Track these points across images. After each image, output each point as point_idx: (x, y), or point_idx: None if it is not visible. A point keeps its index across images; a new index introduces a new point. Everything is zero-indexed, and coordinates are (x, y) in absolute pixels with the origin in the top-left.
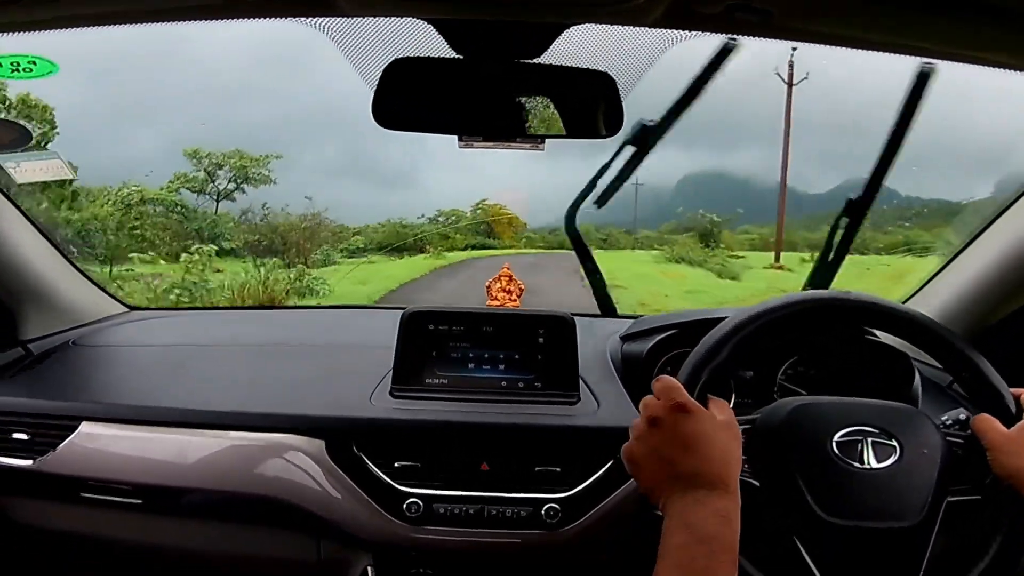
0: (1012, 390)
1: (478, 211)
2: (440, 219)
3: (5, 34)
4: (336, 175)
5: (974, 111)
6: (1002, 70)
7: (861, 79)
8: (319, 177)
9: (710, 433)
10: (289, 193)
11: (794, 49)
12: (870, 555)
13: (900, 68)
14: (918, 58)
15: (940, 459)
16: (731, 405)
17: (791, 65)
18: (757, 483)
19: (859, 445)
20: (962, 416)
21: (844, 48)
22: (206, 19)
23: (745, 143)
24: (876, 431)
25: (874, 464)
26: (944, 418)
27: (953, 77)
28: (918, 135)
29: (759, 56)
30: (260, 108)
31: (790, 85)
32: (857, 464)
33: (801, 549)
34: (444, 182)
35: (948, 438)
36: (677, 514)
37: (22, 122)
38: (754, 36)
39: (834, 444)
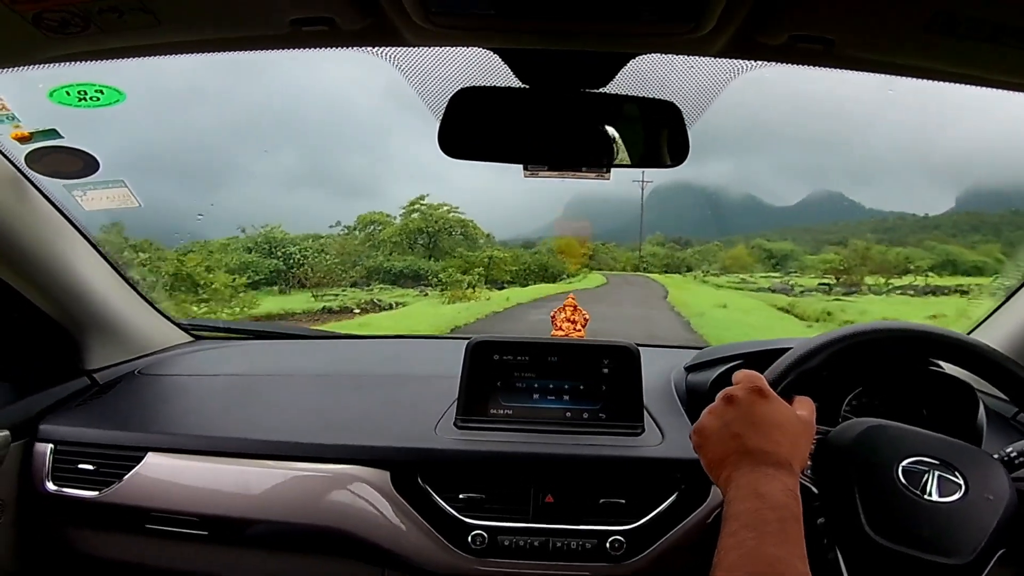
0: None
1: (414, 213)
2: (358, 230)
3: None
4: (295, 184)
5: (936, 126)
6: None
7: (828, 91)
8: (275, 187)
9: (782, 420)
10: (241, 207)
11: None
12: None
13: (864, 82)
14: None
15: (1004, 508)
16: None
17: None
18: (816, 490)
19: (925, 475)
20: None
21: (906, 78)
22: (271, 49)
23: (710, 155)
24: (945, 465)
25: (936, 497)
26: (1009, 450)
27: (916, 92)
28: (882, 149)
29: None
30: (210, 113)
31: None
32: (918, 493)
33: (841, 562)
34: (409, 192)
35: (1019, 485)
36: (746, 484)
37: (89, 151)
38: (816, 66)
39: (900, 469)
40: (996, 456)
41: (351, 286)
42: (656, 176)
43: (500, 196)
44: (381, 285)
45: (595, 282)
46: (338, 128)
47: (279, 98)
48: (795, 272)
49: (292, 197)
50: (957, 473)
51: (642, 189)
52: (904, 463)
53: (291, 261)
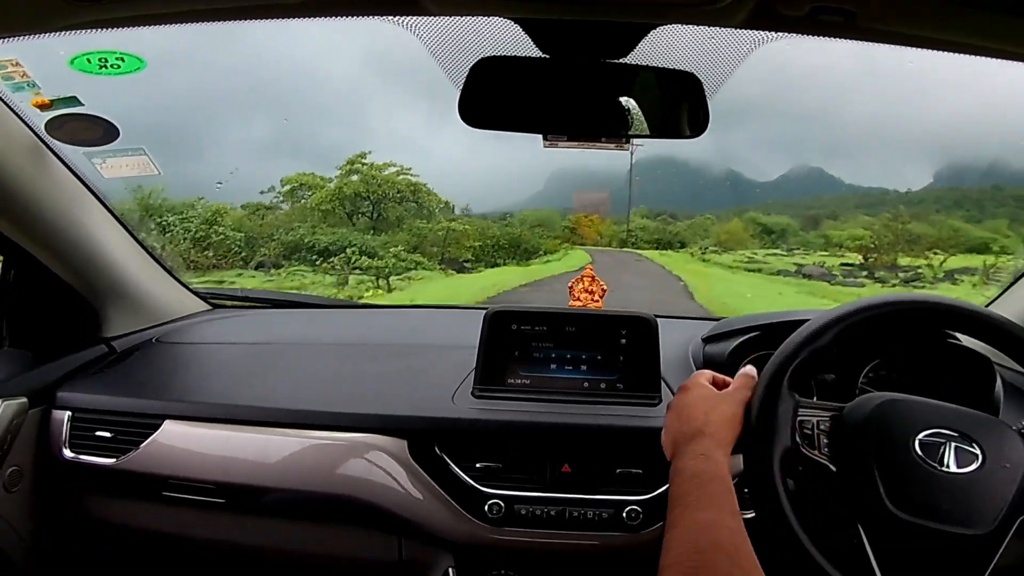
0: None
1: (352, 175)
2: (282, 195)
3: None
4: (268, 153)
5: (912, 101)
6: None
7: (809, 64)
8: (248, 155)
9: (696, 400)
10: (215, 173)
11: None
12: (932, 556)
13: (849, 51)
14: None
15: (1022, 476)
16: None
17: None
18: (833, 468)
19: (941, 447)
20: None
21: (930, 51)
22: (290, 17)
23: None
24: (961, 436)
25: (954, 468)
26: None
27: (893, 68)
28: (859, 123)
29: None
30: (180, 77)
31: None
32: (937, 465)
33: (864, 538)
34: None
35: None
36: (674, 468)
37: (108, 118)
38: (838, 37)
39: (916, 442)
40: (1014, 428)
41: (258, 267)
42: (638, 149)
43: (478, 167)
44: (298, 266)
45: (578, 261)
46: (315, 96)
47: (254, 64)
48: (797, 249)
49: (268, 167)
50: (974, 443)
51: (631, 154)
52: (920, 436)
53: (169, 234)
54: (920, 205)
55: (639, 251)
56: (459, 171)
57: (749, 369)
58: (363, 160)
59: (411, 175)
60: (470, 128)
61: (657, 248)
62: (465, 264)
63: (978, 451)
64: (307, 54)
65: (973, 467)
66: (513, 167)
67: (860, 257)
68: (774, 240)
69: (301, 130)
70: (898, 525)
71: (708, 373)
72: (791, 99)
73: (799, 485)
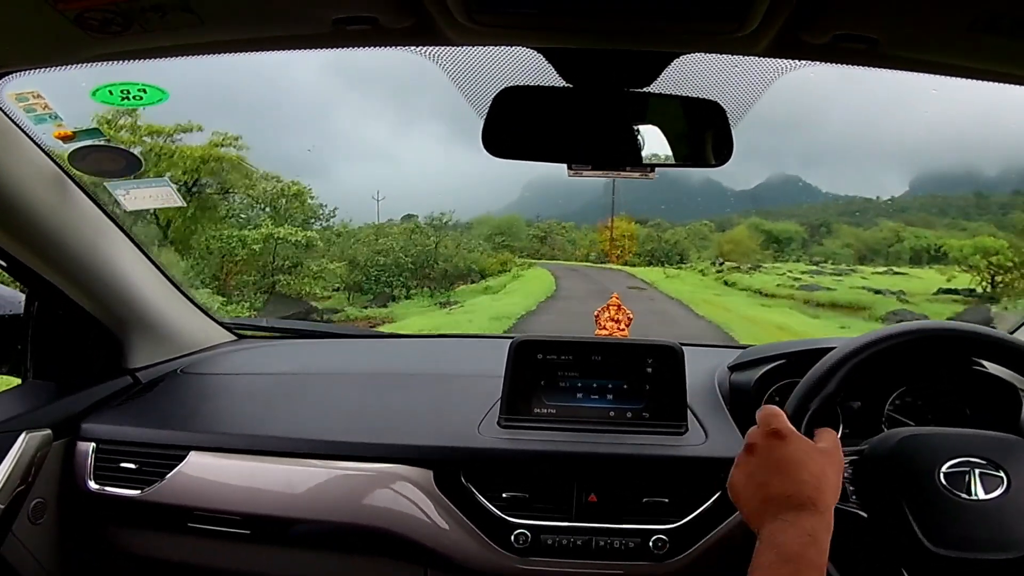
0: None
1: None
2: None
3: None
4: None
5: (887, 110)
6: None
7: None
8: None
9: (802, 457)
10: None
11: None
12: None
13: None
14: None
15: None
16: (839, 435)
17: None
18: (865, 514)
19: (967, 476)
20: None
21: (952, 78)
22: (314, 48)
23: None
24: (983, 462)
25: (982, 495)
26: None
27: (867, 76)
28: (837, 133)
29: None
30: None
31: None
32: (964, 495)
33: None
34: (358, 170)
35: None
36: (767, 536)
37: (132, 151)
38: (861, 65)
39: (941, 475)
40: None
41: None
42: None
43: (451, 176)
44: None
45: (534, 290)
46: (278, 105)
47: (215, 73)
48: (823, 261)
49: None
50: (997, 467)
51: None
52: (944, 468)
53: None
54: (905, 213)
55: (630, 270)
56: (431, 180)
57: (833, 432)
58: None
59: (233, 146)
60: (443, 137)
61: (651, 263)
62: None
63: (1002, 474)
64: (268, 60)
65: (1000, 491)
66: (488, 175)
67: (980, 278)
68: (781, 249)
69: (266, 139)
70: (939, 562)
71: (780, 412)
72: (768, 107)
73: (834, 539)
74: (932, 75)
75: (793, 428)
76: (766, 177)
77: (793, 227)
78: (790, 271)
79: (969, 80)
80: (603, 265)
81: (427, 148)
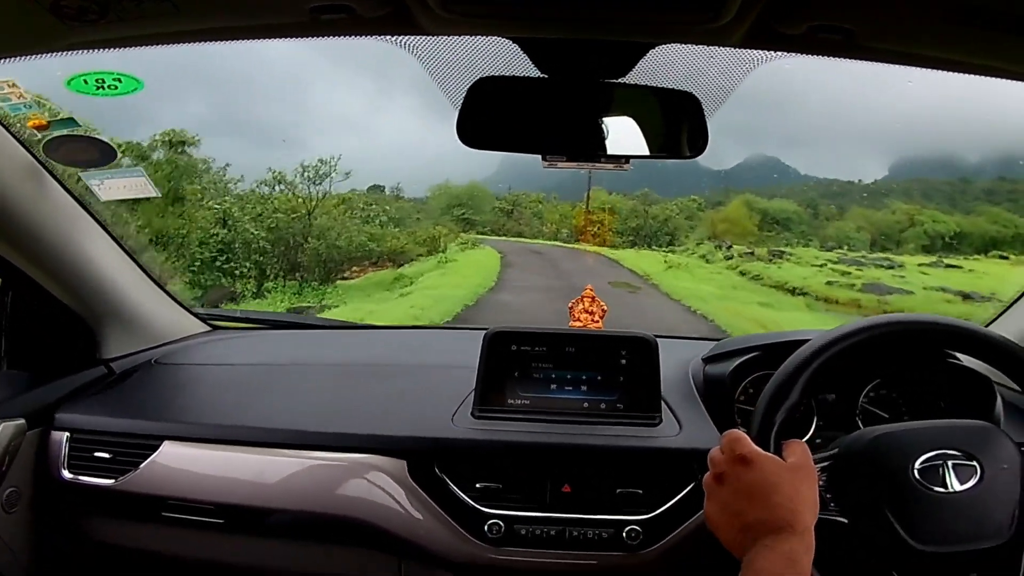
0: None
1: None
2: None
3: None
4: (209, 133)
5: (865, 93)
6: None
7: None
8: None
9: (773, 480)
10: None
11: None
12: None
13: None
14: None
15: (1021, 471)
16: (813, 429)
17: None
18: (845, 520)
19: (940, 469)
20: None
21: (928, 69)
22: (290, 37)
23: None
24: (956, 453)
25: (957, 487)
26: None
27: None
28: (813, 114)
29: None
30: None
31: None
32: (940, 489)
33: None
34: (335, 144)
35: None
36: (747, 563)
37: (106, 140)
38: (837, 56)
39: (915, 471)
40: (1000, 428)
41: None
42: None
43: (427, 149)
44: None
45: (447, 296)
46: (252, 73)
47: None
48: (836, 245)
49: (209, 147)
50: (970, 456)
51: None
52: (917, 464)
53: None
54: (888, 197)
55: (612, 253)
56: (406, 153)
57: (802, 443)
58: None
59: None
60: (420, 110)
61: (634, 243)
62: None
63: (975, 463)
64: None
65: (974, 481)
66: (464, 150)
67: None
68: (784, 230)
69: (239, 108)
70: (926, 559)
71: (743, 433)
72: (747, 89)
73: (819, 549)
74: (908, 67)
75: (759, 451)
76: (744, 158)
77: (790, 206)
78: (829, 260)
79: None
80: (575, 245)
81: (403, 120)
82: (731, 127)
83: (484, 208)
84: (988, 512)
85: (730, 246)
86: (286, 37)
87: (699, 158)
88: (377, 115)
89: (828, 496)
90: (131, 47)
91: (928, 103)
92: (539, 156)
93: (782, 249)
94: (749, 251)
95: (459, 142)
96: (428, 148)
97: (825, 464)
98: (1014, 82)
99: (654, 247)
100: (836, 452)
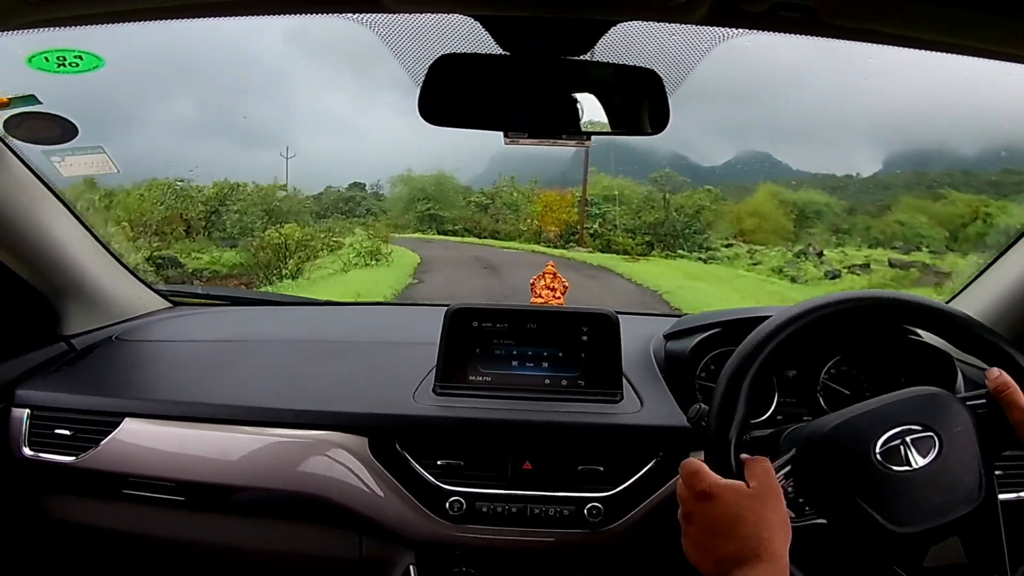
0: None
1: None
2: None
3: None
4: (195, 133)
5: (857, 86)
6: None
7: (754, 46)
8: (174, 135)
9: (736, 511)
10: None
11: None
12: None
13: (787, 40)
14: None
15: (975, 430)
16: (774, 405)
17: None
18: (824, 521)
19: (900, 449)
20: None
21: (891, 47)
22: (250, 14)
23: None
24: (910, 429)
25: (921, 462)
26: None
27: (847, 55)
28: (804, 108)
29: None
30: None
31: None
32: (906, 468)
33: (900, 573)
34: (323, 144)
35: (968, 403)
36: None
37: (68, 117)
38: (799, 34)
39: (877, 456)
40: (945, 391)
41: None
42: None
43: (416, 148)
44: None
45: None
46: (241, 73)
47: (177, 40)
48: (913, 246)
49: (196, 146)
50: (926, 428)
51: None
52: (878, 448)
53: None
54: (888, 191)
55: (635, 270)
56: (394, 152)
57: (763, 462)
58: None
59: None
60: (404, 108)
61: (651, 248)
62: None
63: (931, 434)
64: (230, 28)
65: (935, 451)
66: (462, 148)
67: None
68: (834, 228)
69: (225, 108)
70: (909, 540)
71: (700, 463)
72: (736, 82)
73: (808, 555)
74: (872, 44)
75: (718, 483)
76: (734, 154)
77: (820, 196)
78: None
79: (924, 52)
80: (565, 251)
81: (388, 118)
82: (720, 124)
83: (454, 202)
84: (956, 479)
85: (820, 253)
86: (247, 15)
87: (688, 154)
88: (363, 113)
89: (800, 501)
90: (92, 25)
91: (920, 94)
92: (530, 150)
93: (765, 240)
94: (855, 268)
95: (425, 123)
96: (413, 144)
97: (787, 469)
98: (1006, 70)
99: (679, 252)
100: (793, 454)
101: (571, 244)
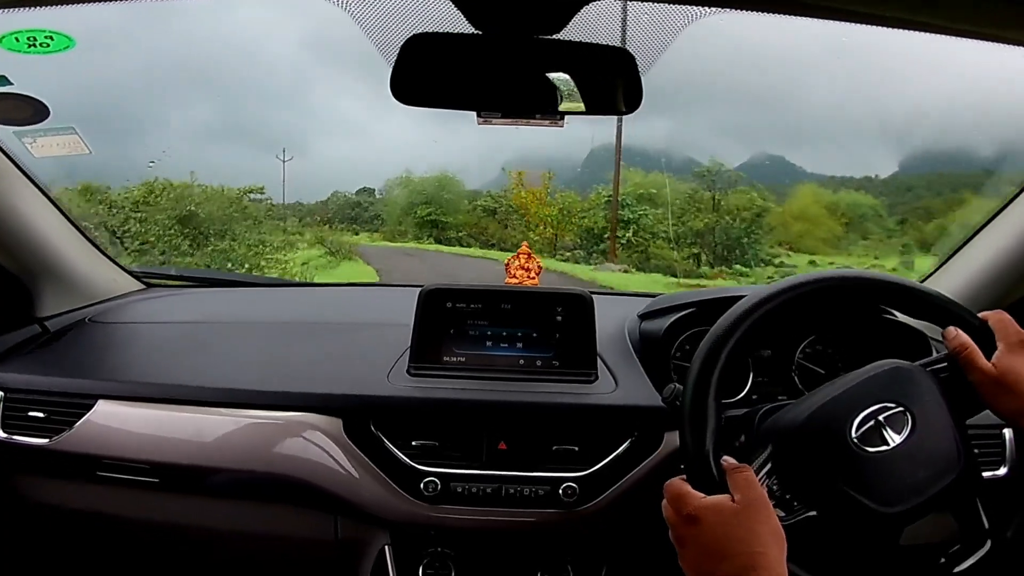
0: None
1: None
2: None
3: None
4: (212, 138)
5: (873, 87)
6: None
7: (764, 46)
8: (191, 140)
9: (724, 531)
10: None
11: None
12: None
13: (813, 33)
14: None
15: (942, 397)
16: (749, 385)
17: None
18: (815, 513)
19: (875, 429)
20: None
21: (862, 25)
22: None
23: (649, 113)
24: (881, 407)
25: (897, 439)
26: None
27: (858, 50)
28: (818, 109)
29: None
30: (115, 58)
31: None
32: (884, 447)
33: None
34: (335, 149)
35: (930, 369)
36: None
37: (40, 97)
38: (768, 12)
39: (854, 441)
40: (908, 365)
41: None
42: (594, 136)
43: (429, 155)
44: None
45: None
46: (258, 79)
47: (194, 45)
48: None
49: (208, 151)
50: (898, 404)
51: (591, 139)
52: (853, 435)
53: None
54: (911, 193)
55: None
56: (408, 158)
57: (744, 472)
58: None
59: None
60: (423, 118)
61: (699, 262)
62: None
63: (901, 408)
64: (245, 31)
65: (910, 425)
66: (471, 154)
67: None
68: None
69: (242, 112)
70: (900, 519)
71: (683, 485)
72: (749, 84)
73: (810, 553)
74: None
75: (703, 503)
76: (748, 157)
77: (864, 199)
78: None
79: (950, 48)
80: (589, 268)
81: (403, 126)
82: (732, 127)
83: (458, 207)
84: (934, 450)
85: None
86: None
87: (701, 158)
88: (376, 121)
89: (788, 497)
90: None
91: (936, 96)
92: (544, 154)
93: (814, 248)
94: None
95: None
96: (430, 155)
97: (768, 468)
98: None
99: (739, 268)
100: (771, 451)
101: (595, 256)
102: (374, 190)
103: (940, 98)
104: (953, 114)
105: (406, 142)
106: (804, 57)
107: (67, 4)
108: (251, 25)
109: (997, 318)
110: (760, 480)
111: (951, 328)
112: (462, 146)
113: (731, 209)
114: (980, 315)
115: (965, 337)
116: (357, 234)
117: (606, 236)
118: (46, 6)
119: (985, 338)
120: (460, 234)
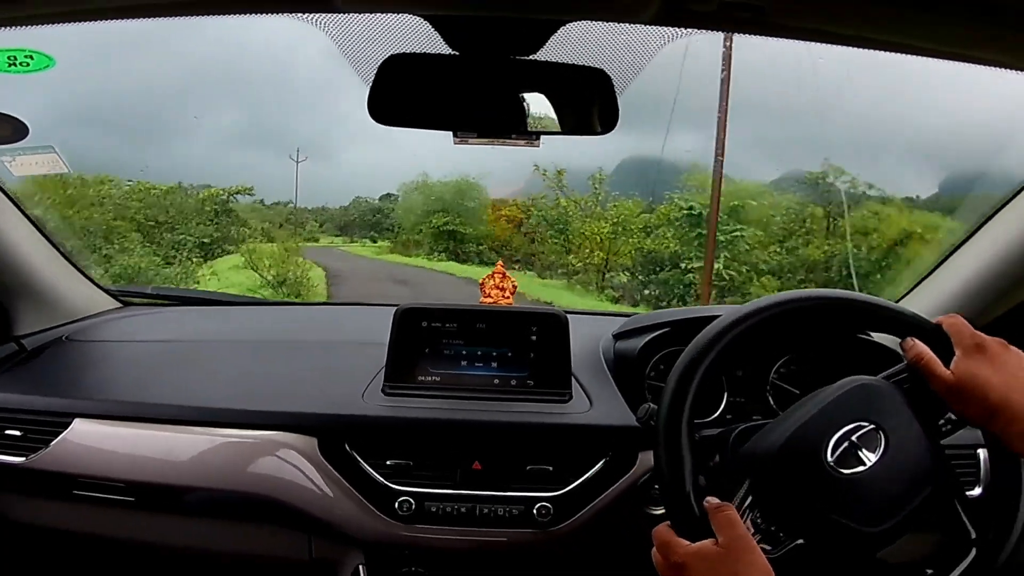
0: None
1: None
2: None
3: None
4: (237, 144)
5: (910, 104)
6: (1004, 70)
7: (797, 61)
8: (216, 146)
9: (717, 573)
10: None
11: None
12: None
13: (844, 56)
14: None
15: (908, 405)
16: (723, 404)
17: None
18: (803, 540)
19: (851, 451)
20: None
21: (839, 46)
22: (197, 14)
23: (681, 127)
24: (854, 427)
25: (872, 458)
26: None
27: (897, 73)
28: (857, 128)
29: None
30: (144, 63)
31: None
32: (861, 468)
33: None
34: (362, 154)
35: (893, 380)
36: None
37: (17, 116)
38: (748, 33)
39: (831, 463)
40: (868, 379)
41: None
42: (623, 151)
43: (455, 165)
44: None
45: None
46: (284, 86)
47: (222, 52)
48: None
49: (235, 157)
50: (866, 423)
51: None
52: (829, 459)
53: None
54: (955, 214)
55: None
56: (435, 167)
57: (727, 511)
58: None
59: None
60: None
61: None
62: None
63: (872, 425)
64: (275, 41)
65: (883, 442)
66: (496, 166)
67: None
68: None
69: (271, 120)
70: (885, 538)
71: (668, 533)
72: (782, 98)
73: None
74: (822, 44)
75: (688, 551)
76: (783, 173)
77: (939, 220)
78: None
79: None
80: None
81: (423, 141)
82: (767, 142)
83: (480, 216)
84: (910, 463)
85: None
86: (194, 14)
87: (734, 175)
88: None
89: (773, 528)
90: (47, 24)
91: (974, 114)
92: (570, 164)
93: None
94: None
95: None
96: (458, 165)
97: (748, 501)
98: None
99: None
100: (749, 484)
101: (669, 296)
102: (397, 196)
103: (973, 120)
104: (986, 136)
105: (422, 142)
106: (841, 73)
107: (49, 23)
108: (278, 35)
109: (951, 322)
110: (743, 514)
111: (909, 339)
112: (486, 149)
113: (857, 231)
114: (934, 320)
115: (922, 347)
116: (375, 242)
117: (682, 266)
118: (27, 26)
119: (942, 343)
120: (480, 248)
